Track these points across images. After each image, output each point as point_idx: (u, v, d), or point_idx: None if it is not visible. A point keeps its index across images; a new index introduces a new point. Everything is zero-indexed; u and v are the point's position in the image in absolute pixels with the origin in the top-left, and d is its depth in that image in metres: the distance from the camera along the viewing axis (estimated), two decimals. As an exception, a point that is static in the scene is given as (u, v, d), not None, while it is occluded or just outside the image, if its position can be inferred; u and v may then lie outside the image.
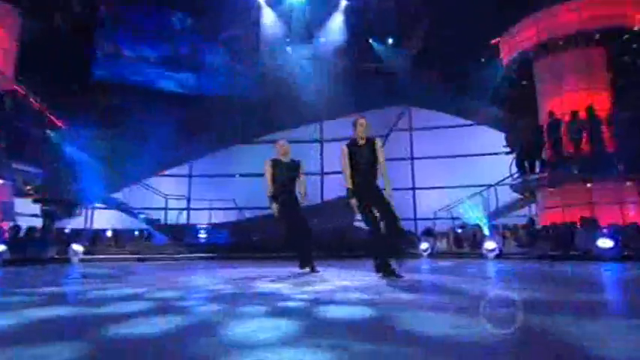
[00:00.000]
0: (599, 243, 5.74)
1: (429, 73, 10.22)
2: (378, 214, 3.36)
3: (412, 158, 11.76)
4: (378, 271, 3.48)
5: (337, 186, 11.48)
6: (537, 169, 8.41)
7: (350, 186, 3.44)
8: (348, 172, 3.45)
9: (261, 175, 4.16)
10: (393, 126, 11.70)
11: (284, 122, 11.00)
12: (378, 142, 3.56)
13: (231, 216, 11.12)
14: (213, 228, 10.54)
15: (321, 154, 11.87)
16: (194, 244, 9.63)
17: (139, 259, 7.65)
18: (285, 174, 4.07)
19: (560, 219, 7.77)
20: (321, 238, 7.82)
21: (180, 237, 10.04)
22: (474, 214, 9.20)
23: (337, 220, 8.98)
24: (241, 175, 11.27)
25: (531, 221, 8.34)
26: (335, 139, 10.94)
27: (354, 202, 3.40)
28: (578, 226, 6.88)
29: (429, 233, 9.33)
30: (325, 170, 11.76)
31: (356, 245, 8.34)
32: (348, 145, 3.55)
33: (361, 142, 3.51)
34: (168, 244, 9.78)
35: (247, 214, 10.89)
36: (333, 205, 9.50)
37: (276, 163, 4.09)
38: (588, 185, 7.75)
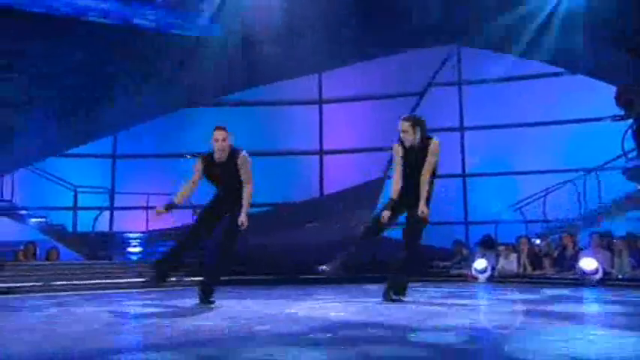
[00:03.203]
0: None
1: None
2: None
3: (462, 128, 11.46)
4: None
5: (344, 170, 10.86)
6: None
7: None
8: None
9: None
10: (432, 77, 11.38)
11: (262, 73, 10.73)
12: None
13: (183, 218, 10.66)
14: (152, 237, 10.34)
15: (320, 124, 11.60)
16: (121, 264, 9.41)
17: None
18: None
19: None
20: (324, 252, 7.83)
21: (98, 252, 9.79)
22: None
23: (349, 225, 8.95)
24: (194, 155, 10.87)
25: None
26: (339, 100, 11.07)
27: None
28: None
29: (488, 245, 9.12)
30: (326, 147, 11.67)
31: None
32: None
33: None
34: (78, 264, 9.32)
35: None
36: (345, 200, 9.68)
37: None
38: None
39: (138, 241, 10.66)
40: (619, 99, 8.86)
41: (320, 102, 11.76)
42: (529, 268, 8.35)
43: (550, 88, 10.58)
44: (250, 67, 10.81)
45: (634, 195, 9.05)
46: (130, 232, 10.83)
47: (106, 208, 11.43)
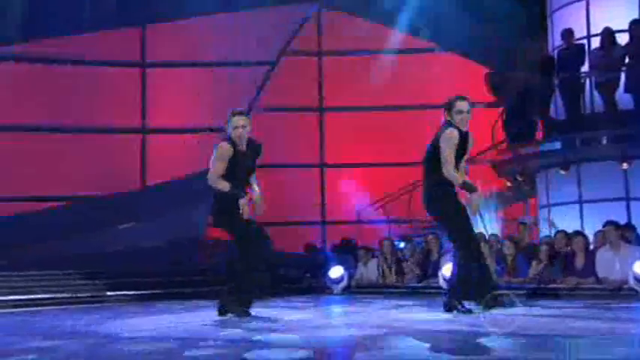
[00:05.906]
0: (637, 268, 5.64)
1: None
2: None
3: (322, 109, 11.05)
4: None
5: (173, 155, 10.27)
6: (540, 135, 8.34)
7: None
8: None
9: None
10: (287, 44, 10.74)
11: (54, 21, 9.32)
12: None
13: None
14: None
15: (143, 93, 10.42)
16: None
17: None
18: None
19: (574, 225, 7.50)
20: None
21: None
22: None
23: (176, 227, 8.97)
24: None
25: (524, 228, 7.97)
26: (167, 64, 10.12)
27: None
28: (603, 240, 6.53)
29: (347, 249, 9.07)
30: (150, 124, 10.59)
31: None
32: None
33: None
34: None
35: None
36: (171, 194, 9.48)
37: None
38: (625, 166, 7.60)
39: None
40: (488, 85, 9.21)
41: (143, 65, 10.50)
42: (390, 276, 7.94)
43: (422, 67, 10.45)
44: (36, 10, 9.25)
45: (502, 192, 9.03)
46: None
47: None
